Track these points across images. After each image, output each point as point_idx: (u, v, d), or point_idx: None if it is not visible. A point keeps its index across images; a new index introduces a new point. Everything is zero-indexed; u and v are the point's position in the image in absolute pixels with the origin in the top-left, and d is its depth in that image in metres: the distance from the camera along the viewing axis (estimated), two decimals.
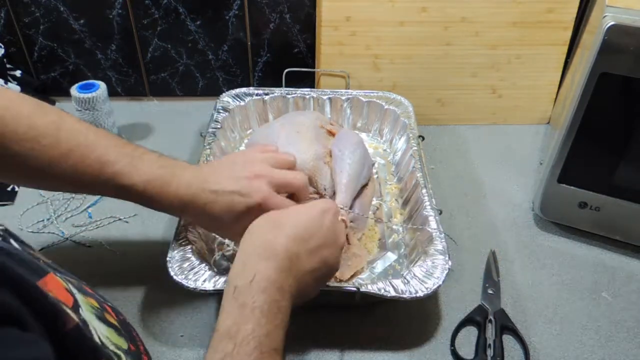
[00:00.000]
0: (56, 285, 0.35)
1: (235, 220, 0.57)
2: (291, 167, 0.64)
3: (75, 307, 0.36)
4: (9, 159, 0.54)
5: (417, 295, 0.61)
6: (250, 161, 0.60)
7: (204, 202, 0.57)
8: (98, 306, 0.41)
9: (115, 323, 0.42)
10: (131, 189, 0.57)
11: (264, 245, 0.48)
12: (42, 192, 0.85)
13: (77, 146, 0.56)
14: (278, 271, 0.46)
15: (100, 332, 0.38)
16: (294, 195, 0.62)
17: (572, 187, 0.76)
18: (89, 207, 0.83)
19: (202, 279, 0.62)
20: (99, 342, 0.36)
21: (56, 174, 0.56)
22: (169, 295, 0.69)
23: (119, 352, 0.38)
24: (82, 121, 0.59)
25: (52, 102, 1.03)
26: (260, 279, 0.44)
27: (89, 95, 0.86)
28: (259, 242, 0.49)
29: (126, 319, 0.47)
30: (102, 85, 0.88)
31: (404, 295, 0.61)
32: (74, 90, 0.87)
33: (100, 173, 0.56)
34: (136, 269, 0.74)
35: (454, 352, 0.65)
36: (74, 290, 0.38)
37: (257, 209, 0.56)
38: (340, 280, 0.68)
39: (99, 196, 0.85)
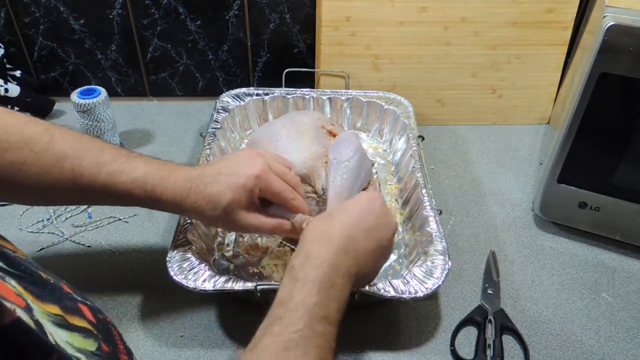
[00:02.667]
0: (3, 289, 0.35)
1: (235, 198, 0.58)
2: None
3: (28, 308, 0.36)
4: (4, 171, 0.54)
5: (417, 295, 0.61)
6: (243, 151, 0.63)
7: (205, 183, 0.58)
8: (59, 313, 0.41)
9: (85, 325, 0.42)
10: (132, 184, 0.57)
11: (320, 234, 0.52)
12: None
13: (72, 150, 0.56)
14: (332, 252, 0.50)
15: (59, 337, 0.38)
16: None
17: (572, 187, 0.76)
18: (88, 207, 0.83)
19: (201, 279, 0.62)
20: (55, 344, 0.36)
21: (53, 181, 0.56)
22: (169, 295, 0.69)
23: (80, 355, 0.38)
24: (73, 130, 0.59)
25: (52, 102, 1.03)
26: (314, 258, 0.49)
27: (90, 100, 0.86)
28: (315, 232, 0.53)
29: (107, 318, 0.47)
30: (102, 91, 0.88)
31: (404, 296, 0.61)
32: (74, 95, 0.87)
33: (98, 174, 0.56)
34: (136, 269, 0.74)
35: (453, 352, 0.65)
36: (27, 298, 0.38)
37: (255, 182, 0.59)
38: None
39: None
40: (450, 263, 0.65)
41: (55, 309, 0.41)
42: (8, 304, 0.33)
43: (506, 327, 0.67)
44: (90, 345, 0.40)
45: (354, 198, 0.59)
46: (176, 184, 0.58)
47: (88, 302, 0.46)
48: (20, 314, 0.33)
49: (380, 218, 0.56)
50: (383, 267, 0.67)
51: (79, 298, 0.45)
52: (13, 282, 0.38)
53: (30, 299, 0.38)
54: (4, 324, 0.31)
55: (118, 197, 0.58)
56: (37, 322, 0.35)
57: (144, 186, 0.58)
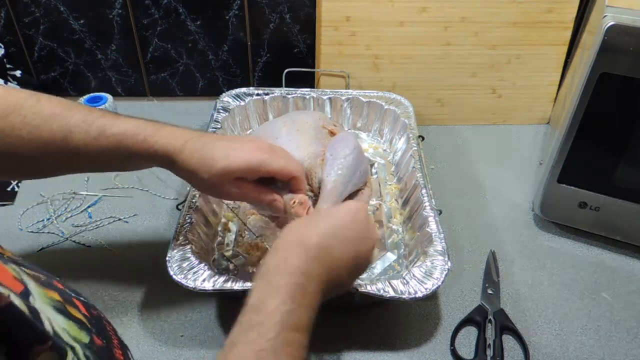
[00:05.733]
0: (1, 273, 0.35)
1: (232, 166, 0.57)
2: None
3: (24, 295, 0.36)
4: None
5: (416, 295, 0.61)
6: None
7: (202, 142, 0.57)
8: (60, 299, 0.41)
9: (80, 317, 0.42)
10: (122, 136, 0.56)
11: (297, 237, 0.51)
12: (42, 192, 0.85)
13: (60, 109, 0.56)
14: (307, 259, 0.49)
15: (57, 323, 0.38)
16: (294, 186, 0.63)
17: (572, 187, 0.76)
18: (88, 207, 0.83)
19: (201, 278, 0.62)
20: (51, 330, 0.36)
21: (43, 143, 0.55)
22: (169, 295, 0.69)
23: (75, 344, 0.38)
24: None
25: None
26: (289, 264, 0.48)
27: (96, 107, 0.86)
28: (293, 234, 0.52)
29: (101, 314, 0.47)
30: (109, 98, 0.88)
31: (403, 296, 0.61)
32: (81, 102, 0.87)
33: (87, 129, 0.56)
34: (136, 269, 0.74)
35: (453, 352, 0.65)
36: (29, 282, 0.38)
37: (261, 157, 0.58)
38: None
39: (99, 196, 0.85)
40: (450, 263, 0.65)
41: (56, 296, 0.41)
42: (1, 289, 0.33)
43: (506, 327, 0.67)
44: (84, 337, 0.41)
45: (341, 205, 0.58)
46: (169, 136, 0.57)
47: (81, 298, 0.46)
48: (14, 299, 0.33)
49: (362, 230, 0.55)
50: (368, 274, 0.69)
51: (72, 294, 0.45)
52: (14, 266, 0.38)
53: (33, 284, 0.38)
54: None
55: (108, 152, 0.57)
56: (32, 309, 0.35)
57: (135, 137, 0.56)
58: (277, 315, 0.45)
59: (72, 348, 0.38)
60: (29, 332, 0.33)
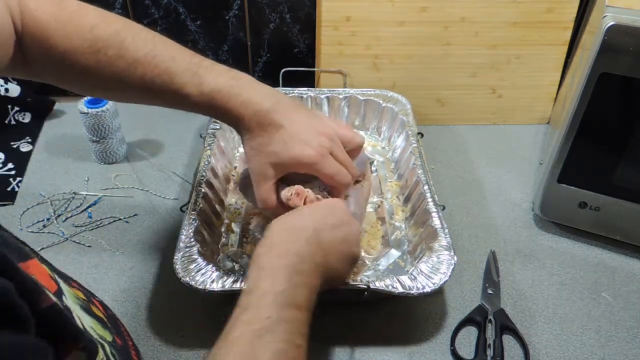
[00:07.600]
0: (39, 271, 0.36)
1: (280, 161, 0.59)
2: (357, 148, 0.66)
3: (58, 294, 0.36)
4: (78, 72, 0.55)
5: (425, 290, 0.61)
6: (323, 124, 0.62)
7: (266, 124, 0.58)
8: (84, 298, 0.42)
9: (102, 316, 0.43)
10: (200, 97, 0.57)
11: (285, 224, 0.54)
12: (42, 192, 0.85)
13: (144, 56, 0.55)
14: (296, 241, 0.51)
15: (85, 321, 0.38)
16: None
17: (572, 187, 0.76)
18: (88, 207, 0.83)
19: (209, 279, 0.61)
20: (82, 328, 0.37)
21: (126, 83, 0.56)
22: (169, 295, 0.69)
23: (102, 342, 0.39)
24: (147, 29, 0.58)
25: (52, 102, 1.03)
26: (278, 246, 0.50)
27: (97, 110, 0.85)
28: (281, 222, 0.54)
29: (115, 315, 0.48)
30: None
31: (412, 291, 0.61)
32: (81, 104, 0.86)
33: (169, 84, 0.56)
34: (136, 269, 0.74)
35: (453, 352, 0.65)
36: (59, 280, 0.38)
37: (306, 169, 0.59)
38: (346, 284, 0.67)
39: (99, 196, 0.85)
40: (456, 258, 0.65)
41: (81, 294, 0.41)
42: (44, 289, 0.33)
43: (506, 327, 0.67)
44: (108, 335, 0.41)
45: (319, 202, 0.60)
46: (244, 104, 0.57)
47: (97, 298, 0.46)
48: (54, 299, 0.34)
49: (343, 217, 0.58)
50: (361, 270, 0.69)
51: (88, 293, 0.46)
52: (48, 266, 0.38)
53: (62, 282, 0.38)
54: (42, 308, 0.32)
55: (186, 106, 0.59)
56: (66, 308, 0.35)
57: (210, 101, 0.57)
58: (271, 296, 0.46)
59: (102, 346, 0.38)
60: (69, 332, 0.34)
